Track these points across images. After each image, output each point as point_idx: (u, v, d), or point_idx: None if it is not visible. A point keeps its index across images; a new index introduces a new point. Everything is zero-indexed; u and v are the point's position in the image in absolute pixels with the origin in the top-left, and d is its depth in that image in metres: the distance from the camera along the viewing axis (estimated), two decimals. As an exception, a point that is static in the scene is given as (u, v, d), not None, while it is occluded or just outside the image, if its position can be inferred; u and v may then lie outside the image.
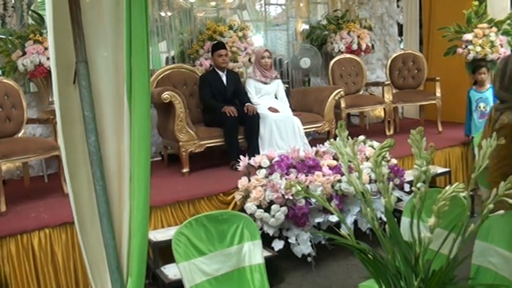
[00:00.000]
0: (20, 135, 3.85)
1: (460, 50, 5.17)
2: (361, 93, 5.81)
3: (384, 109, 5.44)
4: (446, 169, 4.50)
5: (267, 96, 4.65)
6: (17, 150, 3.41)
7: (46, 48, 4.10)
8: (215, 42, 4.70)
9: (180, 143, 4.10)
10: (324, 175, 3.43)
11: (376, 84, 5.90)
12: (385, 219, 1.51)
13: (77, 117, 1.53)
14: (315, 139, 5.06)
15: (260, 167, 3.44)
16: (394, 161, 3.81)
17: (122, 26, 1.53)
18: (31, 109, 4.52)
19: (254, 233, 2.05)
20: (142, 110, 1.58)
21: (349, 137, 1.44)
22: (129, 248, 1.59)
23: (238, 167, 3.53)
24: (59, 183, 3.65)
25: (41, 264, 2.96)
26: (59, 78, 1.43)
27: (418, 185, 1.20)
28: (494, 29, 5.06)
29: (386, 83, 5.46)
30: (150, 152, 1.63)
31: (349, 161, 1.38)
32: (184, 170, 4.12)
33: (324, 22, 6.23)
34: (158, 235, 3.13)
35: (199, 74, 4.76)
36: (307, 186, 3.31)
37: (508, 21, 5.11)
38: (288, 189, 1.51)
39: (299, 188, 1.33)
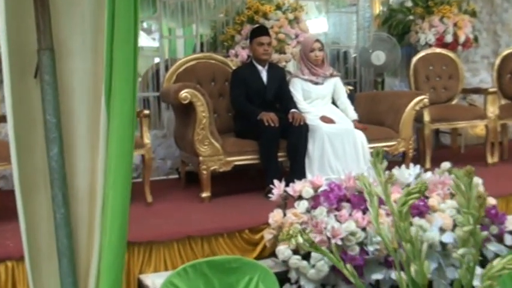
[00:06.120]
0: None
1: None
2: (455, 102, 5.71)
3: (487, 126, 5.27)
4: None
5: (319, 102, 4.62)
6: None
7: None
8: (255, 26, 4.72)
9: (201, 159, 4.13)
10: (388, 214, 3.33)
11: (478, 91, 5.76)
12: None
13: (37, 122, 1.56)
14: (386, 162, 4.95)
15: (300, 198, 3.39)
16: (492, 200, 3.65)
17: (103, 5, 1.56)
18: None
19: (273, 290, 2.01)
20: (125, 117, 1.59)
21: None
22: (96, 300, 1.60)
23: (271, 195, 3.50)
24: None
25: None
26: (12, 70, 1.46)
27: None
28: None
29: (492, 90, 5.30)
30: (131, 172, 1.63)
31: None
32: (204, 195, 4.14)
33: (409, 4, 6.12)
34: (158, 280, 3.13)
35: (233, 68, 4.79)
36: (365, 229, 3.24)
37: None
38: (292, 237, 1.35)
39: (300, 239, 1.27)
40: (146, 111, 4.18)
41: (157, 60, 5.83)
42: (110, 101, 1.58)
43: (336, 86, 4.74)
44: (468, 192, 1.11)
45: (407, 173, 3.58)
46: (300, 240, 1.29)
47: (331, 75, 4.70)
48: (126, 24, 1.55)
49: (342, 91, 4.78)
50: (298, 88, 4.60)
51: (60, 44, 1.57)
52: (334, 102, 4.77)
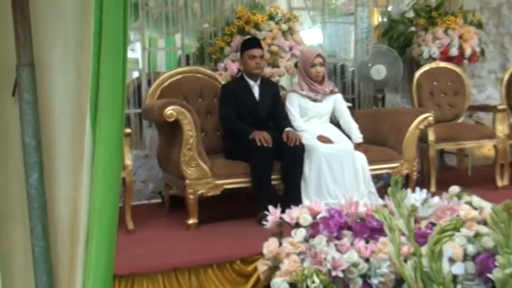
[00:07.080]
0: None
1: None
2: (461, 120, 5.74)
3: (495, 146, 5.30)
4: None
5: (316, 120, 4.62)
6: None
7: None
8: (247, 37, 4.72)
9: (187, 182, 4.10)
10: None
11: (486, 108, 5.79)
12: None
13: (14, 145, 1.53)
14: (388, 185, 4.94)
15: (298, 225, 3.36)
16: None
17: (89, 15, 1.54)
18: None
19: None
20: (112, 140, 1.57)
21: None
22: None
23: (266, 222, 3.47)
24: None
25: None
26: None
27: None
28: None
29: (501, 107, 5.32)
30: (118, 201, 1.60)
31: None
32: (191, 221, 4.11)
33: (411, 14, 6.19)
34: (141, 317, 3.09)
35: (222, 83, 4.78)
36: (367, 259, 3.21)
37: None
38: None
39: (317, 280, 1.24)
40: (127, 130, 4.13)
41: (136, 73, 5.81)
42: (96, 122, 1.55)
43: (337, 103, 4.73)
44: (508, 229, 1.08)
45: (413, 198, 3.57)
46: (317, 281, 1.25)
47: (331, 92, 4.69)
48: (115, 35, 1.53)
49: (344, 109, 4.77)
50: (295, 104, 4.59)
51: (40, 56, 1.54)
52: (332, 121, 4.77)
